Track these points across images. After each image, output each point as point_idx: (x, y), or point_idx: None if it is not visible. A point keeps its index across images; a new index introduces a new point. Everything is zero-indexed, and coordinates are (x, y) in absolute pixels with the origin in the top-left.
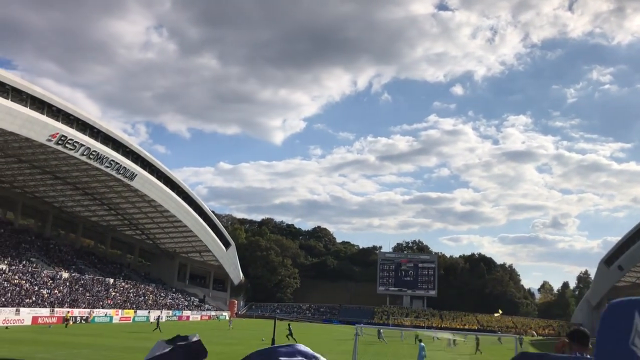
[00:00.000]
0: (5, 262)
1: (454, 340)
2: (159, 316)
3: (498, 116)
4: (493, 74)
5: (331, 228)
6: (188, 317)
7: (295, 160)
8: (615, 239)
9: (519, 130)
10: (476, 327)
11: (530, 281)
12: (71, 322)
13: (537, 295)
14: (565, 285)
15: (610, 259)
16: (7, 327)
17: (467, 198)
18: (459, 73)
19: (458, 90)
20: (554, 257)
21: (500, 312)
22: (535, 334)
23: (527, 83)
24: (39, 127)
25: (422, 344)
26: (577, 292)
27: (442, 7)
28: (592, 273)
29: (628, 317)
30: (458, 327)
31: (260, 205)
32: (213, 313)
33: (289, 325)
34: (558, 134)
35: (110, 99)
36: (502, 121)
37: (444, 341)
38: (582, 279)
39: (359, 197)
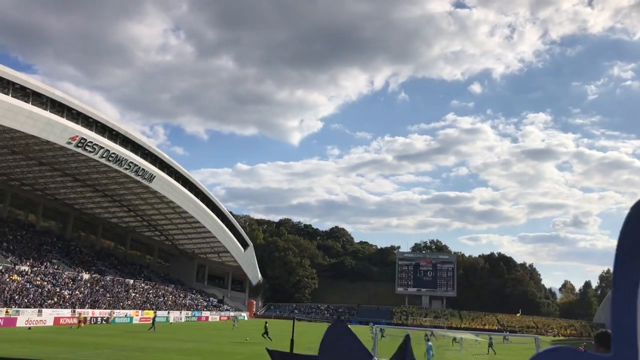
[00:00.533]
0: (28, 263)
1: (462, 339)
2: (154, 316)
3: (517, 114)
4: (512, 72)
5: (349, 228)
6: (207, 317)
7: (312, 160)
8: None
9: (539, 128)
10: (496, 327)
11: (551, 281)
12: (82, 324)
13: (559, 295)
14: (587, 284)
15: None
16: (29, 328)
17: (486, 197)
18: (477, 71)
19: (476, 88)
20: (575, 257)
21: (521, 312)
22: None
23: (546, 80)
24: (59, 130)
25: (429, 343)
26: (599, 292)
27: (459, 4)
28: None
29: None
30: (478, 327)
31: (278, 206)
32: (232, 313)
33: (265, 323)
34: (578, 132)
35: (128, 102)
36: (521, 119)
37: (467, 340)
38: (605, 278)
39: (377, 197)
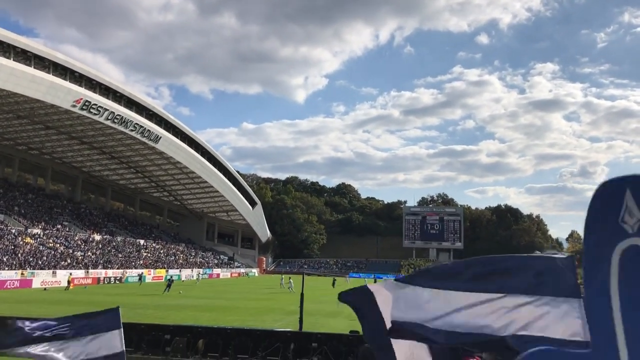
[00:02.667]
0: (40, 226)
1: None
2: (170, 276)
3: (525, 65)
4: (519, 21)
5: (356, 185)
6: (218, 274)
7: (318, 118)
8: None
9: (546, 79)
10: None
11: (558, 231)
12: (72, 285)
13: (566, 245)
14: None
15: None
16: (45, 289)
17: (492, 149)
18: (484, 22)
19: (483, 39)
20: (582, 206)
21: None
22: None
23: (554, 29)
24: (63, 93)
25: None
26: None
27: None
28: None
29: (619, 195)
30: None
31: (284, 164)
32: (243, 270)
33: (170, 277)
34: (587, 81)
35: (132, 63)
36: (528, 70)
37: None
38: None
39: (384, 153)
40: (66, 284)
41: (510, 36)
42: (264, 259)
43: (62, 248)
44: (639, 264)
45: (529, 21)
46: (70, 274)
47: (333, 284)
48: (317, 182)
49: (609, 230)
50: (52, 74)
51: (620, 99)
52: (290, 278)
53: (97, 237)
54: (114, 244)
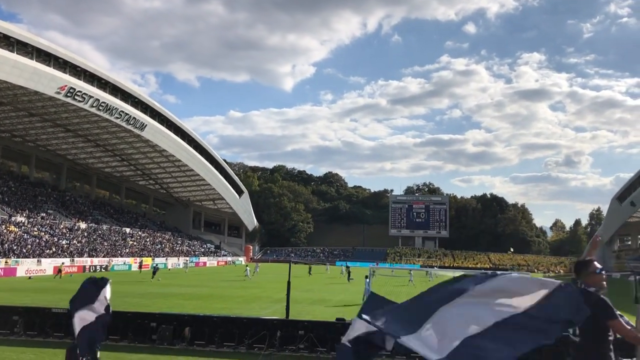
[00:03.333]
0: (24, 214)
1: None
2: (156, 264)
3: (511, 54)
4: (506, 11)
5: (343, 173)
6: (205, 263)
7: (305, 106)
8: (628, 175)
9: (533, 68)
10: (488, 266)
11: (542, 220)
12: (62, 273)
13: (549, 234)
14: (577, 222)
15: (623, 195)
16: (30, 277)
17: (479, 139)
18: (471, 11)
19: (470, 28)
20: (566, 195)
21: (512, 250)
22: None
23: (541, 19)
24: (47, 80)
25: (368, 279)
26: (589, 229)
27: None
28: (605, 210)
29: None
30: (470, 266)
31: (272, 153)
32: (229, 259)
33: (156, 265)
34: (572, 71)
35: (118, 50)
36: (515, 59)
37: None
38: (594, 216)
39: (371, 142)
40: (57, 272)
41: (498, 25)
42: (251, 247)
43: (47, 236)
44: None
45: (516, 10)
46: (63, 262)
47: (309, 272)
48: (304, 171)
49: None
50: (36, 60)
51: (605, 89)
52: (257, 265)
53: (83, 225)
54: (100, 232)
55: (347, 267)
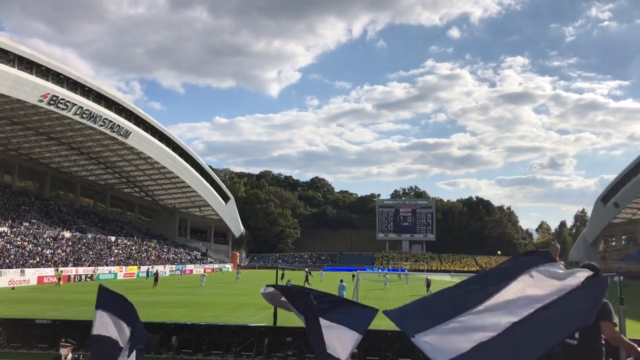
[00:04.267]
0: (7, 224)
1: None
2: (156, 270)
3: (495, 58)
4: (490, 15)
5: (330, 178)
6: (191, 270)
7: (292, 111)
8: (611, 177)
9: (516, 72)
10: (475, 269)
11: (528, 222)
12: (61, 282)
13: (535, 236)
14: (563, 224)
15: (607, 197)
16: (13, 288)
17: (464, 142)
18: (455, 15)
19: (455, 33)
20: (551, 198)
21: (499, 252)
22: None
23: (524, 23)
24: (29, 88)
25: (343, 283)
26: (574, 231)
27: None
28: (589, 211)
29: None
30: (457, 269)
31: (258, 159)
32: (216, 266)
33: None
34: (555, 74)
35: (102, 57)
36: (499, 63)
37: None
38: (579, 217)
39: (357, 147)
40: (56, 280)
41: (482, 30)
42: (238, 254)
43: (30, 246)
44: None
45: (500, 15)
46: (62, 271)
47: (282, 277)
48: (291, 176)
49: None
50: (18, 68)
51: (588, 92)
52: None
53: (67, 234)
54: (85, 241)
55: (308, 271)
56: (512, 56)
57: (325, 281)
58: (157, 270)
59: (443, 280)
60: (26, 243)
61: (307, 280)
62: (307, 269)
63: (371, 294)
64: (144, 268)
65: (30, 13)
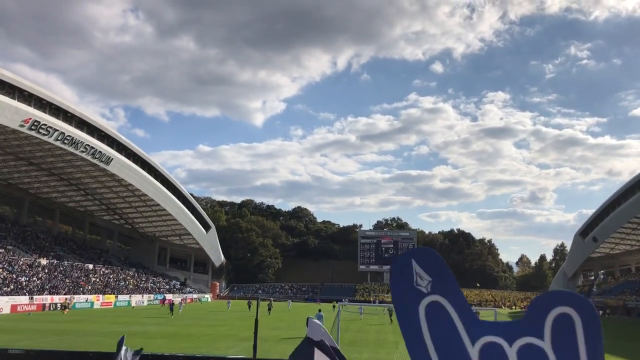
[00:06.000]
0: None
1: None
2: (172, 301)
3: (477, 93)
4: (472, 51)
5: (312, 208)
6: (170, 300)
7: (276, 141)
8: (590, 211)
9: (497, 107)
10: None
11: (508, 255)
12: (66, 311)
13: (515, 269)
14: (542, 258)
15: (585, 231)
16: None
17: (446, 175)
18: (438, 51)
19: (438, 68)
20: (531, 231)
21: (479, 285)
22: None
23: (506, 59)
24: (11, 113)
25: (320, 313)
26: (553, 265)
27: None
28: (568, 245)
29: (408, 265)
30: None
31: (240, 187)
32: (195, 296)
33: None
34: (536, 110)
35: (86, 84)
36: (481, 98)
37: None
38: (558, 251)
39: (340, 177)
40: (60, 308)
41: (464, 65)
42: (217, 284)
43: (5, 273)
44: (439, 315)
45: (482, 51)
46: (66, 298)
47: (269, 310)
48: (273, 206)
49: (410, 293)
50: (0, 93)
51: (567, 128)
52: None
53: (44, 261)
54: (61, 268)
55: (269, 301)
56: (493, 91)
57: (296, 311)
58: (172, 301)
59: None
60: (0, 270)
61: (269, 309)
62: (271, 299)
63: (352, 325)
64: (122, 297)
65: (15, 38)
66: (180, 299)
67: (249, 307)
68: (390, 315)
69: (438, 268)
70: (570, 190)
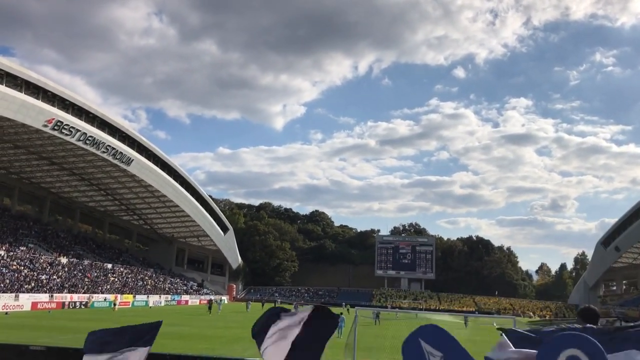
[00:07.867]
0: (3, 248)
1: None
2: (211, 299)
3: (499, 99)
4: (495, 57)
5: (330, 212)
6: (187, 301)
7: (295, 145)
8: (613, 220)
9: (520, 113)
10: (474, 309)
11: (527, 263)
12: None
13: (535, 277)
14: (563, 266)
15: (607, 240)
16: (6, 313)
17: (466, 181)
18: (461, 56)
19: (460, 73)
20: (552, 240)
21: (497, 293)
22: (532, 315)
23: (529, 66)
24: (35, 113)
25: (342, 316)
26: (574, 274)
27: None
28: (590, 255)
29: (417, 345)
30: (456, 309)
31: (259, 190)
32: (212, 297)
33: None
34: (558, 117)
35: (110, 86)
36: (503, 104)
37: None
38: (579, 260)
39: (359, 181)
40: (112, 305)
41: (486, 71)
42: (234, 286)
43: (26, 270)
44: None
45: (505, 57)
46: (116, 296)
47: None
48: (291, 209)
49: None
50: (25, 93)
51: (590, 135)
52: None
53: (64, 260)
54: (81, 267)
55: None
56: (515, 97)
57: None
58: (212, 299)
59: (444, 321)
60: (22, 267)
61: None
62: (295, 303)
63: (369, 330)
64: (140, 297)
65: (41, 40)
66: (218, 299)
67: (263, 306)
68: (376, 318)
69: (447, 343)
70: (592, 199)
